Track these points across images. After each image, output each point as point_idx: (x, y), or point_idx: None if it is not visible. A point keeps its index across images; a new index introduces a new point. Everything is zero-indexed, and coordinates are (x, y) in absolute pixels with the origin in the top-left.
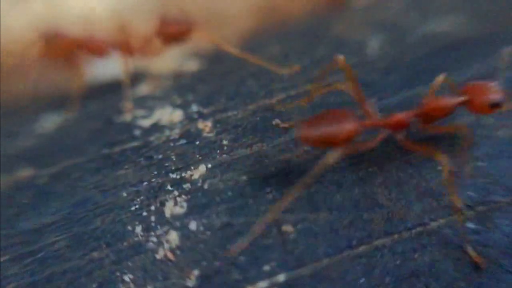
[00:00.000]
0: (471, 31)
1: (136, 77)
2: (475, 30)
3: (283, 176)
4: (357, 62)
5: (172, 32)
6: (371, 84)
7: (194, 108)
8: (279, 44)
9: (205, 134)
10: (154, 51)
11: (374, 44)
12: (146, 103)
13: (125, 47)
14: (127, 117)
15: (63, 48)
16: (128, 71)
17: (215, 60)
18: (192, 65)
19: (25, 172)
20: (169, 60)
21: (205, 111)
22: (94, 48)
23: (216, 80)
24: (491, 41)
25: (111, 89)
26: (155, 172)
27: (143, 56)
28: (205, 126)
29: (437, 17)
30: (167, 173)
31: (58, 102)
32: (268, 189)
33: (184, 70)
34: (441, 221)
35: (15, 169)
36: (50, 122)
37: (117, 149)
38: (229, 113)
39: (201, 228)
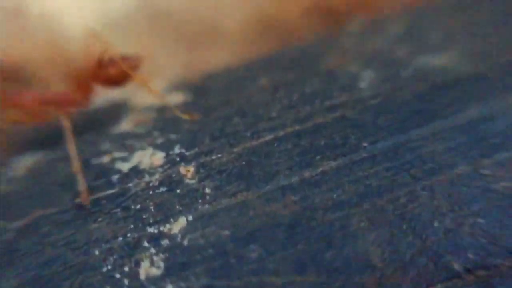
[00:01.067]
0: (466, 69)
1: (117, 110)
2: (469, 68)
3: (269, 230)
4: (349, 100)
5: (112, 75)
6: (362, 125)
7: (177, 149)
8: (268, 75)
9: (187, 181)
10: (91, 97)
11: (366, 79)
12: (126, 142)
13: (61, 102)
14: (106, 159)
15: None
16: (70, 130)
17: (201, 92)
18: (176, 97)
19: None
20: (156, 95)
21: (188, 153)
22: (23, 106)
23: (200, 116)
24: (487, 81)
25: (91, 127)
26: (132, 226)
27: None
28: (187, 171)
29: (431, 52)
30: (144, 227)
31: (34, 142)
32: (252, 247)
33: (168, 102)
34: (439, 286)
35: None
36: (22, 164)
37: (92, 197)
38: (213, 156)
39: None
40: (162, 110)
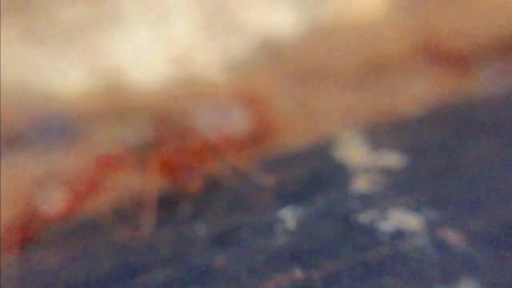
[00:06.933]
0: None
1: (341, 170)
2: None
3: None
4: None
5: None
6: None
7: (428, 212)
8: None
9: (455, 244)
10: None
11: None
12: (372, 202)
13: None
14: (363, 218)
15: None
16: None
17: (418, 156)
18: (394, 161)
19: (296, 274)
20: (364, 154)
21: (442, 216)
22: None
23: (431, 180)
24: None
25: (328, 184)
26: (418, 283)
27: None
28: (452, 234)
29: None
30: (431, 284)
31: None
32: None
33: (387, 165)
34: None
35: (287, 269)
36: (291, 218)
37: (370, 255)
38: (472, 221)
39: None
40: (387, 171)
